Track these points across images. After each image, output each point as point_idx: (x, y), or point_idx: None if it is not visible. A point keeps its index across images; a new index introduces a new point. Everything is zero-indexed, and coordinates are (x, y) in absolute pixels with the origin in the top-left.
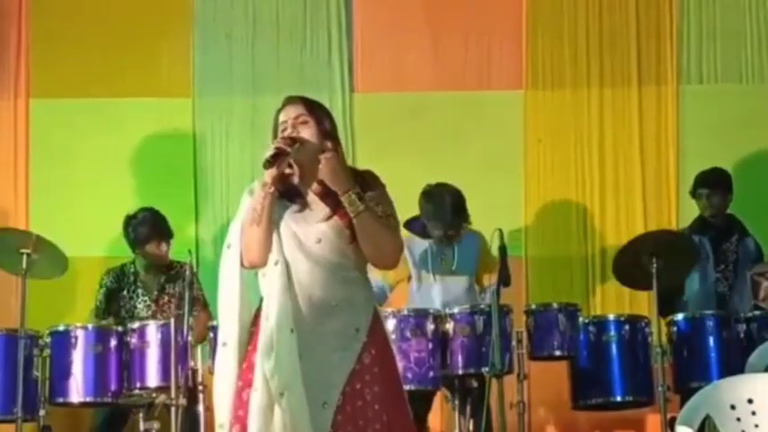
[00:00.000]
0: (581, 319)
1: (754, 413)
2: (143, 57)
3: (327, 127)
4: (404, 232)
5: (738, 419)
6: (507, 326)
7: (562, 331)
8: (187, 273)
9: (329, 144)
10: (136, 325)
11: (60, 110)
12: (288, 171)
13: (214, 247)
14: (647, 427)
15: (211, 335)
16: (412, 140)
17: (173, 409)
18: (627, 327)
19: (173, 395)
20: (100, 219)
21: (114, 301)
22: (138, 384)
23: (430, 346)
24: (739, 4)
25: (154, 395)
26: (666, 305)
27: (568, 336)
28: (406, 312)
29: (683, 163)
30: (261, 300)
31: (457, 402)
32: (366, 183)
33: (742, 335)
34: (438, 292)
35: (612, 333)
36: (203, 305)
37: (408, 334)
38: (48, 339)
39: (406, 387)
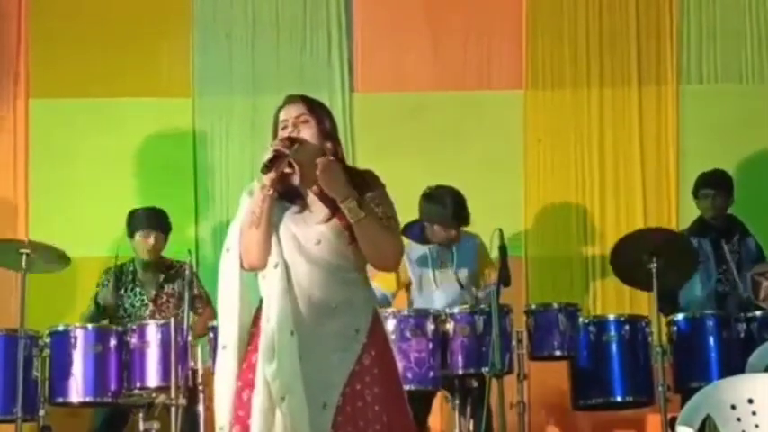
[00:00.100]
0: (581, 319)
1: (754, 413)
2: (143, 57)
3: (328, 126)
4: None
5: (739, 419)
6: (507, 326)
7: (562, 331)
8: (187, 272)
9: (329, 145)
10: (135, 325)
11: (60, 110)
12: (288, 170)
13: (214, 246)
14: (647, 427)
15: (211, 335)
16: (412, 140)
17: (173, 409)
18: (627, 327)
19: (173, 395)
20: (100, 219)
21: (114, 302)
22: (138, 384)
23: (430, 346)
24: (739, 4)
25: (154, 395)
26: (668, 304)
27: (568, 336)
28: (406, 312)
29: (683, 163)
30: (261, 300)
31: (457, 402)
32: (366, 183)
33: (742, 335)
34: (439, 297)
35: (612, 333)
36: (206, 301)
37: (408, 334)
38: (47, 339)
39: (406, 387)
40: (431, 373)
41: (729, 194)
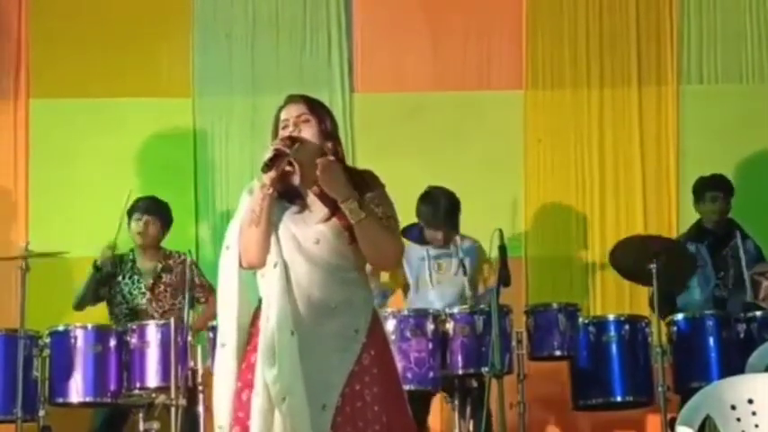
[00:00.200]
0: (581, 320)
1: (754, 413)
2: (143, 57)
3: (328, 126)
4: None
5: (738, 419)
6: (507, 326)
7: (562, 331)
8: (187, 273)
9: (329, 144)
10: (135, 325)
11: (60, 110)
12: (288, 169)
13: (214, 246)
14: (647, 428)
15: (211, 335)
16: (412, 140)
17: (172, 409)
18: (627, 327)
19: (172, 395)
20: (100, 219)
21: (109, 286)
22: (138, 384)
23: (430, 346)
24: (739, 5)
25: (153, 395)
26: (666, 308)
27: (568, 336)
28: (405, 313)
29: (683, 163)
30: (260, 300)
31: (457, 403)
32: (366, 183)
33: (742, 335)
34: (435, 297)
35: (612, 333)
36: (210, 290)
37: (408, 334)
38: (47, 339)
39: (406, 387)
40: (430, 374)
41: (731, 198)
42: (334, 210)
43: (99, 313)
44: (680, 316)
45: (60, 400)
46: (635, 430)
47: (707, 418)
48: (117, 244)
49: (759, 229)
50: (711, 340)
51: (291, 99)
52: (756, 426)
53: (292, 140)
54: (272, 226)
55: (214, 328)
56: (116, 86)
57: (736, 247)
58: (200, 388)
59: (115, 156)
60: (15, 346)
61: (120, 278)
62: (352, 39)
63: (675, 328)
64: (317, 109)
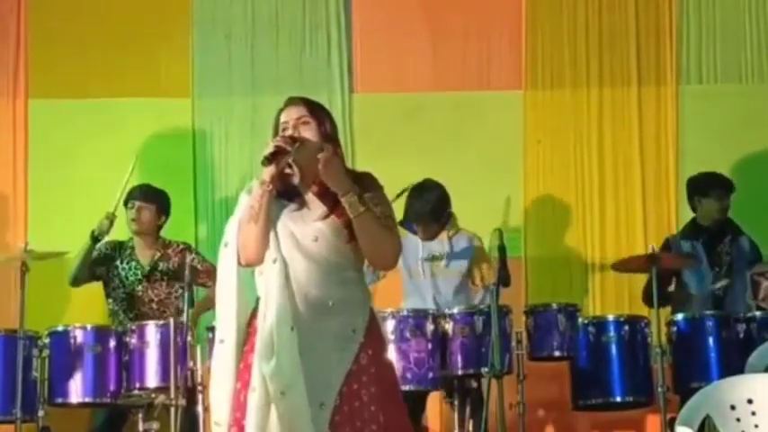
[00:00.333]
0: (580, 320)
1: (753, 413)
2: (143, 57)
3: (328, 129)
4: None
5: (738, 420)
6: (507, 326)
7: (562, 332)
8: (187, 273)
9: (329, 146)
10: (135, 325)
11: (60, 110)
12: (287, 171)
13: (213, 246)
14: (646, 428)
15: (210, 335)
16: (411, 141)
17: (172, 409)
18: (626, 327)
19: (172, 395)
20: (99, 219)
21: (106, 268)
22: (138, 385)
23: (429, 346)
24: (739, 5)
25: (153, 395)
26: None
27: (568, 336)
28: (405, 313)
29: (683, 163)
30: (257, 300)
31: (456, 403)
32: (364, 184)
33: (742, 335)
34: (428, 288)
35: (612, 333)
36: (214, 272)
37: (408, 334)
38: (47, 340)
39: (406, 388)
40: (430, 374)
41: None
42: (333, 208)
43: (99, 313)
44: (679, 316)
45: (60, 400)
46: (635, 430)
47: (706, 418)
48: (116, 214)
49: (759, 230)
50: (711, 340)
51: (291, 101)
52: (756, 426)
53: (293, 140)
54: (270, 223)
55: (213, 329)
56: (116, 86)
57: (733, 243)
58: (200, 388)
59: (115, 156)
60: (15, 346)
61: (117, 262)
62: (351, 39)
63: (675, 329)
64: (316, 111)
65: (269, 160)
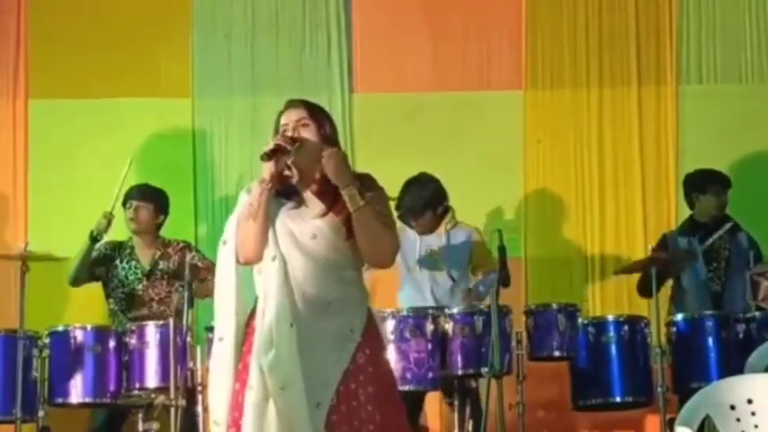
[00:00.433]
0: (580, 320)
1: (753, 413)
2: (143, 57)
3: (328, 131)
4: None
5: (738, 420)
6: (507, 326)
7: (561, 332)
8: (187, 273)
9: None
10: (135, 326)
11: (60, 110)
12: (287, 173)
13: (213, 246)
14: (646, 428)
15: (209, 335)
16: (411, 141)
17: (172, 409)
18: (626, 327)
19: (172, 396)
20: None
21: (106, 268)
22: (138, 385)
23: (429, 346)
24: (739, 5)
25: (153, 396)
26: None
27: (568, 336)
28: (405, 313)
29: (683, 163)
30: (256, 299)
31: (456, 403)
32: (364, 185)
33: (741, 335)
34: (426, 282)
35: (612, 334)
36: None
37: (407, 334)
38: (47, 340)
39: (406, 388)
40: (430, 374)
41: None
42: (331, 206)
43: (99, 313)
44: (679, 316)
45: (60, 400)
46: (634, 430)
47: (706, 419)
48: (113, 213)
49: (758, 229)
50: (711, 340)
51: (291, 104)
52: (756, 426)
53: (293, 140)
54: (269, 221)
55: (212, 329)
56: (116, 87)
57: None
58: (200, 388)
59: (115, 156)
60: (15, 346)
61: (117, 262)
62: (351, 39)
63: (675, 329)
64: (316, 114)
65: (268, 156)
